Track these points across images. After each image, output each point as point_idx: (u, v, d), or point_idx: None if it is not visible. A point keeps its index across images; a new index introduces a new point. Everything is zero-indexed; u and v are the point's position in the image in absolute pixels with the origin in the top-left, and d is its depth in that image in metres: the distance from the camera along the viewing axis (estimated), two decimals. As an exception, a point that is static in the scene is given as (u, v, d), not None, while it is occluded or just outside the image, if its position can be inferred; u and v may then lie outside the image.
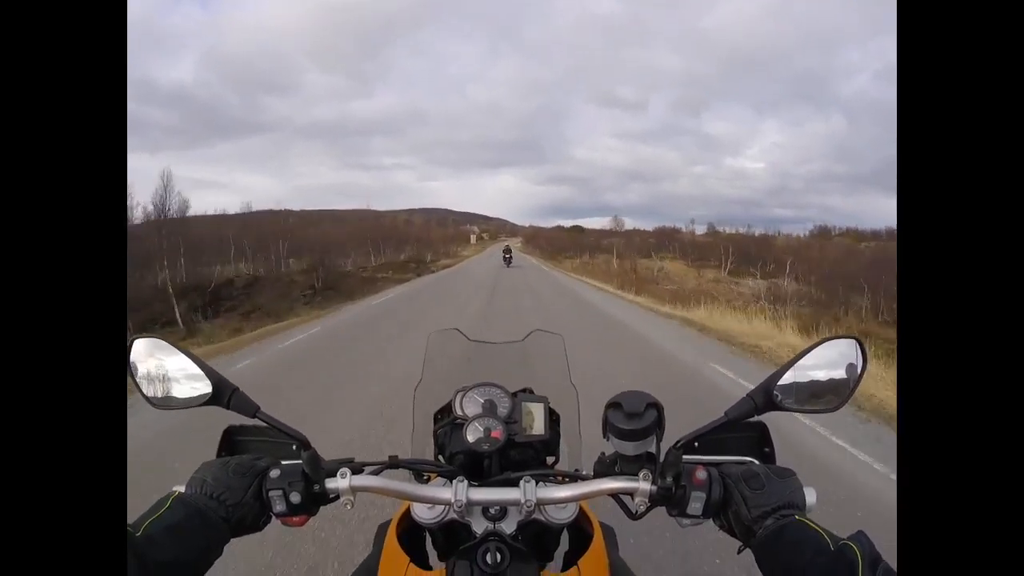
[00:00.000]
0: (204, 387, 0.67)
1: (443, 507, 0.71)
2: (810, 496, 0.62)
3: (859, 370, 0.65)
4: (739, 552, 0.62)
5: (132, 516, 0.55)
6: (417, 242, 53.47)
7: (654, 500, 0.65)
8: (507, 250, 32.81)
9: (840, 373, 0.65)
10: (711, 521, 0.65)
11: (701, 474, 0.63)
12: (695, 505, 0.63)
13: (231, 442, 0.75)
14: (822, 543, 0.53)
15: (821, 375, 0.65)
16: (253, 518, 0.64)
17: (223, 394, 0.67)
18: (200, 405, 0.68)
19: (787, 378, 0.65)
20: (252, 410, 0.66)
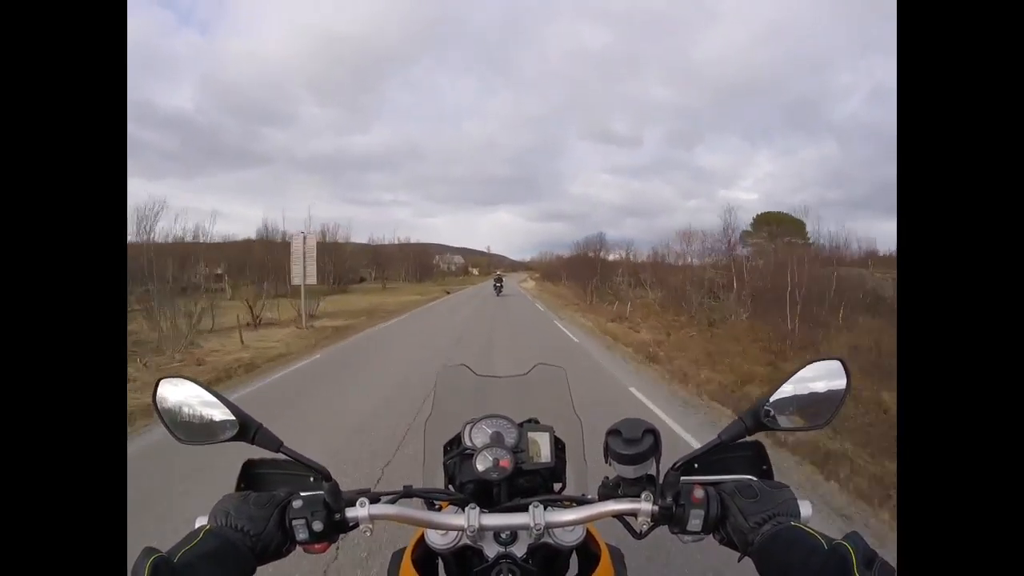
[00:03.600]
0: (230, 423, 0.71)
1: (456, 533, 0.74)
2: (805, 508, 0.65)
3: (844, 389, 0.69)
4: (739, 560, 0.65)
5: (166, 547, 0.56)
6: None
7: (656, 519, 0.68)
8: (498, 279, 29.80)
9: (825, 392, 0.69)
10: (711, 536, 0.68)
11: (699, 492, 0.66)
12: (695, 522, 0.66)
13: (249, 475, 0.78)
14: (817, 544, 0.55)
15: (807, 395, 0.69)
16: (276, 546, 0.67)
17: (248, 430, 0.71)
18: (226, 441, 0.71)
19: (775, 399, 0.69)
20: (276, 445, 0.71)
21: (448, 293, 32.11)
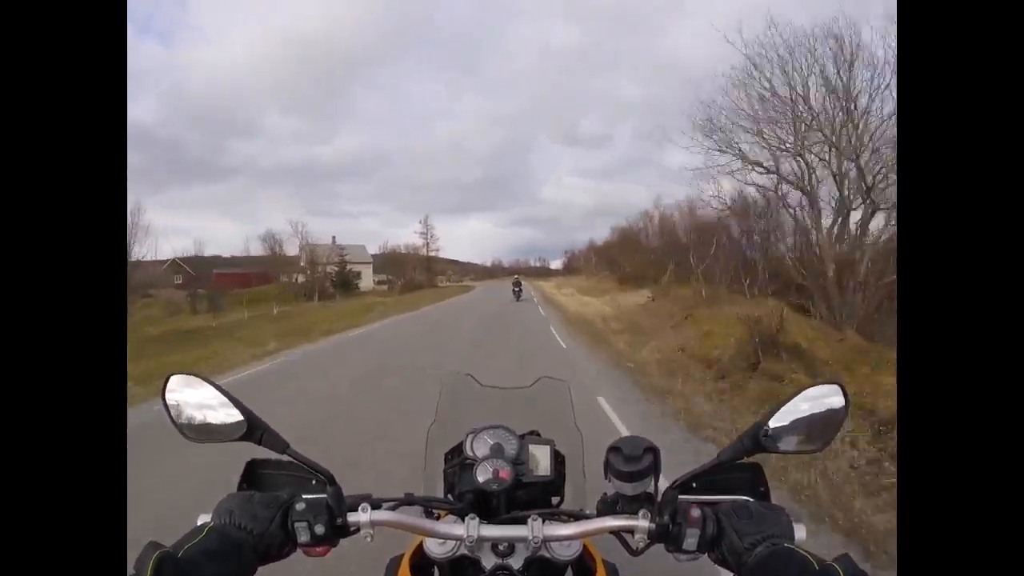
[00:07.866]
0: (237, 423, 0.72)
1: (455, 542, 0.75)
2: (799, 531, 0.66)
3: (841, 413, 0.70)
4: None
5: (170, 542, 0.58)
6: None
7: (652, 537, 0.69)
8: (517, 283, 27.65)
9: (823, 415, 0.70)
10: (706, 556, 0.68)
11: (696, 512, 0.67)
12: (690, 541, 0.67)
13: (253, 475, 0.79)
14: (808, 565, 0.56)
15: (805, 417, 0.70)
16: (278, 547, 0.68)
17: (255, 431, 0.72)
18: (233, 440, 0.71)
19: (774, 422, 0.70)
20: (282, 447, 0.71)
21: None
